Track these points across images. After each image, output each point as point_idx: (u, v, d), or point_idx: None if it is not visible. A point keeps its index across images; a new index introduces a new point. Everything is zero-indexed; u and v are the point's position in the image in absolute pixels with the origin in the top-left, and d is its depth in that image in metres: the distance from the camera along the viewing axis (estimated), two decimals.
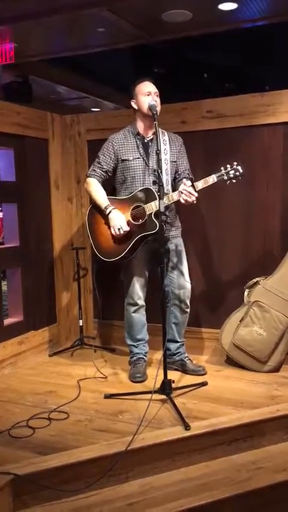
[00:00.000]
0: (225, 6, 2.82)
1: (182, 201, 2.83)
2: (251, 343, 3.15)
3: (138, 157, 3.02)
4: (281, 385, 2.94)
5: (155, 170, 2.92)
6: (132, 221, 2.95)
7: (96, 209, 3.07)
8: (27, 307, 3.61)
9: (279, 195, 3.37)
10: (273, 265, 3.27)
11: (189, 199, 2.80)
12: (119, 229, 2.91)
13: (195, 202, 2.82)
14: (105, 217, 2.99)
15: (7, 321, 3.52)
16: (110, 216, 2.96)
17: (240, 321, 3.21)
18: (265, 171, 3.39)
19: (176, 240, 3.13)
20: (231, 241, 3.52)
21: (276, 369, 3.16)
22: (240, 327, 3.20)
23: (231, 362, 3.28)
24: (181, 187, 2.87)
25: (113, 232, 2.95)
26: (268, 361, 3.14)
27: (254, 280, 3.27)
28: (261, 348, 3.13)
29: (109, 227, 2.99)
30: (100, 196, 3.04)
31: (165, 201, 2.85)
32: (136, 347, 3.22)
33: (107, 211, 2.97)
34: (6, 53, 3.32)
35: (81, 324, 3.78)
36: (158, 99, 2.96)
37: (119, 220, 2.94)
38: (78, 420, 2.57)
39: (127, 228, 2.92)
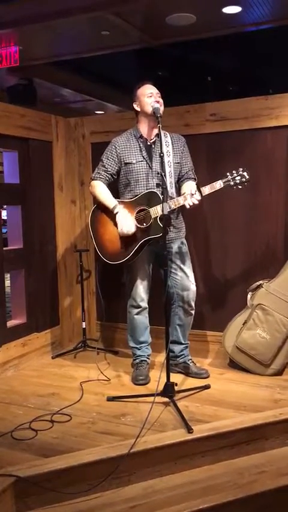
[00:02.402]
0: (229, 10, 2.83)
1: (187, 206, 2.85)
2: (254, 346, 3.15)
3: (142, 161, 3.02)
4: (284, 389, 2.93)
5: (158, 173, 2.93)
6: (137, 224, 2.95)
7: (101, 210, 3.07)
8: (31, 309, 3.62)
9: (282, 198, 3.37)
10: (276, 268, 3.27)
11: (195, 203, 2.82)
12: (126, 230, 2.90)
13: (197, 205, 2.84)
14: (113, 217, 2.99)
15: (10, 323, 3.53)
16: (118, 216, 2.95)
17: (244, 324, 3.21)
18: (269, 175, 3.39)
19: (180, 242, 3.13)
20: (235, 244, 3.52)
21: (279, 372, 3.15)
22: (243, 330, 3.19)
23: (234, 365, 3.28)
24: (187, 192, 2.88)
25: (120, 232, 2.94)
26: (271, 365, 3.14)
27: (257, 283, 3.26)
28: (265, 351, 3.13)
29: (114, 227, 2.99)
30: (107, 197, 3.04)
31: (171, 205, 2.86)
32: (139, 349, 3.22)
33: (115, 211, 2.97)
34: (11, 56, 3.34)
35: (84, 326, 3.79)
36: (161, 100, 2.98)
37: (127, 222, 2.93)
38: (80, 422, 2.57)
39: (133, 230, 2.92)
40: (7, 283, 3.51)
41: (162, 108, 2.94)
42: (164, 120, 2.91)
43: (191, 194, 2.83)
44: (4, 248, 3.47)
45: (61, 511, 2.02)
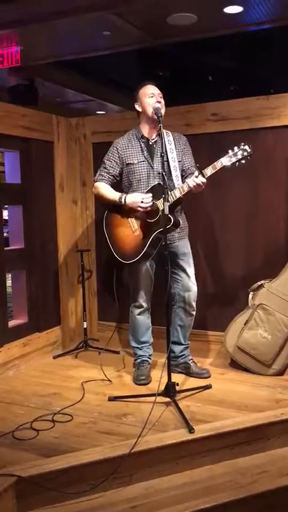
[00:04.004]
0: (230, 10, 2.82)
1: (192, 187, 2.79)
2: (255, 346, 3.15)
3: (143, 161, 3.02)
4: (286, 389, 2.92)
5: (159, 173, 2.93)
6: (146, 219, 2.95)
7: (111, 213, 3.07)
8: (32, 309, 3.62)
9: (284, 198, 3.37)
10: (277, 268, 3.27)
11: (199, 188, 2.80)
12: (143, 201, 2.88)
13: (203, 188, 2.82)
14: (122, 209, 2.97)
15: (12, 323, 3.53)
16: (127, 201, 2.95)
17: (245, 324, 3.21)
18: (270, 174, 3.38)
19: (182, 242, 3.12)
20: (236, 243, 3.52)
21: (280, 372, 3.15)
22: (244, 330, 3.19)
23: (235, 365, 3.28)
24: (190, 179, 2.87)
25: (140, 208, 2.91)
26: (272, 365, 3.13)
27: (259, 283, 3.26)
28: (266, 351, 3.13)
29: (126, 225, 2.98)
30: (110, 193, 3.04)
31: (177, 193, 2.86)
32: (140, 349, 3.22)
33: (122, 200, 2.96)
34: (13, 56, 3.33)
35: (85, 326, 3.79)
36: (162, 101, 2.98)
37: (138, 196, 2.92)
38: (82, 422, 2.57)
39: (150, 200, 2.90)
40: (8, 283, 3.51)
41: (163, 109, 2.94)
42: (165, 120, 2.90)
43: (194, 177, 2.80)
44: (5, 248, 3.47)
45: (62, 511, 2.02)
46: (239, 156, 2.78)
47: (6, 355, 3.31)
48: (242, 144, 2.79)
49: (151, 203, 2.90)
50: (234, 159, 2.78)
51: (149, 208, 2.91)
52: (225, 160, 2.78)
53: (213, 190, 2.91)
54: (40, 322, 3.67)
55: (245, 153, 2.78)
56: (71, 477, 2.09)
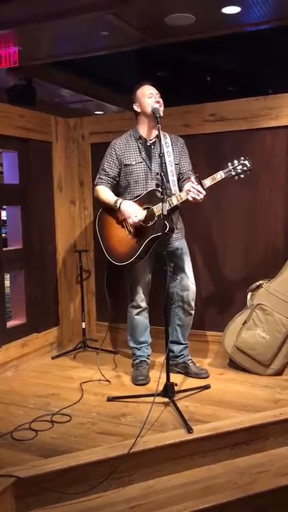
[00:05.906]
0: (228, 10, 2.83)
1: (190, 199, 2.81)
2: (253, 347, 3.15)
3: (141, 162, 3.02)
4: (284, 389, 2.93)
5: (157, 174, 2.93)
6: (142, 224, 2.95)
7: (105, 213, 3.06)
8: (30, 310, 3.62)
9: (282, 198, 3.38)
10: (276, 268, 3.27)
11: (198, 198, 2.78)
12: (135, 216, 2.88)
13: (202, 200, 2.81)
14: (117, 212, 2.97)
15: (10, 323, 3.53)
16: (121, 207, 2.94)
17: (243, 324, 3.21)
18: (268, 175, 3.39)
19: (180, 242, 3.13)
20: (235, 244, 3.52)
21: (279, 372, 3.16)
22: (243, 330, 3.20)
23: (234, 365, 3.28)
24: (189, 186, 2.86)
25: (130, 222, 2.92)
26: (271, 365, 3.14)
27: (257, 283, 3.26)
28: (264, 351, 3.13)
29: (121, 227, 2.98)
30: (108, 196, 3.03)
31: (174, 201, 2.86)
32: (139, 349, 3.23)
33: (118, 204, 2.95)
34: (11, 56, 3.33)
35: (83, 327, 3.79)
36: (161, 101, 2.99)
37: (134, 209, 2.91)
38: (80, 423, 2.57)
39: (143, 215, 2.90)
40: (7, 283, 3.51)
41: (162, 109, 2.94)
42: (164, 121, 2.91)
43: (192, 187, 2.80)
44: (4, 248, 3.47)
45: None
46: (239, 171, 2.81)
47: (5, 356, 3.31)
48: (242, 158, 2.81)
49: (139, 222, 2.90)
50: (233, 173, 2.81)
51: (136, 225, 2.91)
52: (225, 173, 2.81)
53: (211, 191, 2.91)
54: (38, 322, 3.66)
55: (245, 168, 2.81)
56: (69, 478, 2.09)
